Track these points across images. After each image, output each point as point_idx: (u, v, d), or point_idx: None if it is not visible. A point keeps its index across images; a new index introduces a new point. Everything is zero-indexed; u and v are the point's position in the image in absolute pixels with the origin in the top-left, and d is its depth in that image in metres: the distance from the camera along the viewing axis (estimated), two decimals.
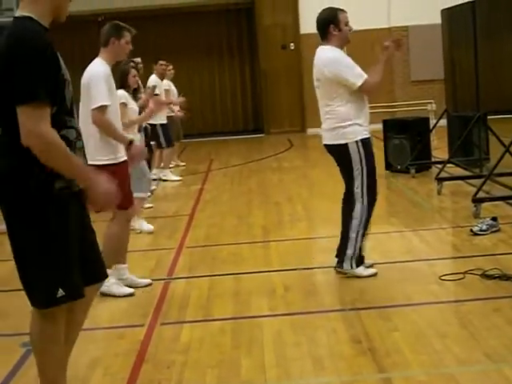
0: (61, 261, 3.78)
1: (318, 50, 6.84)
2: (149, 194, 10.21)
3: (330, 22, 6.70)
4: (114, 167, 6.46)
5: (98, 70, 6.51)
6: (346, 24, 6.74)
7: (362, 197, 6.68)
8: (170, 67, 14.22)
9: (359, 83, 6.57)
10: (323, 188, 11.72)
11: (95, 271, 4.08)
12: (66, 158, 3.64)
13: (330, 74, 6.62)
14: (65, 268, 3.79)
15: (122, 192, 6.59)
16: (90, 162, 6.39)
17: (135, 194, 9.09)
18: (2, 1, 19.09)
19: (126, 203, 6.63)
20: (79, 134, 3.89)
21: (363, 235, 6.79)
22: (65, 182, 3.72)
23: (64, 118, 3.75)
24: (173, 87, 14.36)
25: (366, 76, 6.58)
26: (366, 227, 6.80)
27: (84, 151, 3.97)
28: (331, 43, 6.72)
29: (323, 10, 6.87)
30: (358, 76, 6.59)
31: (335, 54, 6.68)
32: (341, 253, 6.85)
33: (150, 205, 11.03)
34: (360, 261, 6.81)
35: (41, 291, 3.81)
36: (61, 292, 3.76)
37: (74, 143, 3.81)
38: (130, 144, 6.58)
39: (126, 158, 6.71)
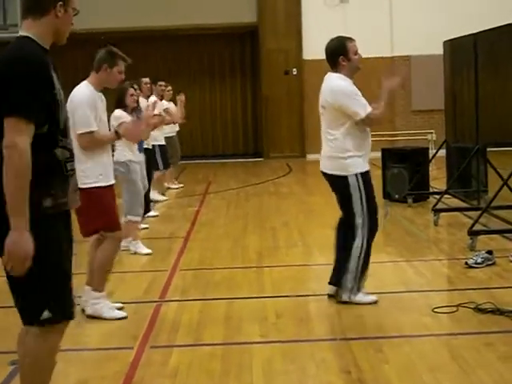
0: (48, 282, 3.74)
1: (326, 76, 6.82)
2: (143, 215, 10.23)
3: (339, 53, 6.66)
4: (100, 190, 6.44)
5: (81, 93, 6.48)
6: (355, 53, 6.69)
7: (363, 229, 6.66)
8: (169, 88, 14.25)
9: (362, 115, 6.53)
10: (320, 214, 11.69)
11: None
12: (23, 181, 3.54)
13: (334, 102, 6.60)
14: (53, 289, 3.76)
15: (110, 215, 6.60)
16: (80, 186, 6.44)
17: (129, 217, 9.13)
18: (6, 17, 19.22)
19: (113, 227, 6.60)
20: (72, 156, 3.88)
21: (363, 267, 6.75)
22: (52, 200, 3.70)
23: (57, 137, 3.75)
24: (172, 107, 14.34)
25: (369, 109, 6.55)
26: (366, 258, 6.77)
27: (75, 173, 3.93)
28: (341, 72, 6.70)
29: (331, 40, 6.79)
30: (361, 107, 6.54)
31: (342, 82, 6.65)
32: (338, 282, 6.81)
33: (146, 225, 11.02)
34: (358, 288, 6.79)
35: (27, 311, 3.79)
36: (47, 313, 3.73)
37: (65, 163, 3.79)
38: (117, 133, 6.51)
39: (113, 181, 6.68)
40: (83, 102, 6.39)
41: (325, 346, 5.81)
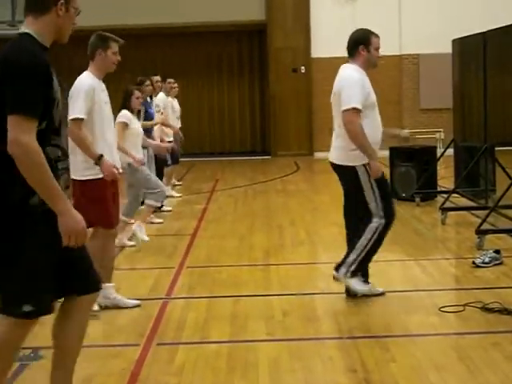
0: (32, 277, 3.77)
1: (342, 66, 6.84)
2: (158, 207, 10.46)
3: (361, 42, 6.71)
4: (99, 182, 6.42)
5: (81, 82, 6.47)
6: (377, 48, 6.75)
7: (379, 211, 6.63)
8: (175, 85, 14.20)
9: (345, 107, 6.50)
10: (327, 213, 11.68)
11: (86, 283, 4.06)
12: (42, 175, 3.62)
13: (339, 91, 6.62)
14: (35, 284, 3.78)
15: (105, 211, 6.56)
16: (77, 177, 6.45)
17: (123, 218, 9.17)
18: (15, 13, 19.26)
19: (107, 222, 6.59)
20: (63, 154, 3.90)
21: (370, 250, 6.70)
22: (39, 198, 3.71)
23: (49, 135, 3.79)
24: (176, 104, 14.29)
25: (357, 108, 6.44)
26: (376, 245, 6.73)
27: (69, 169, 3.96)
28: (357, 62, 6.71)
29: (357, 29, 6.88)
30: (351, 100, 6.48)
31: (353, 73, 6.65)
32: (343, 258, 6.81)
33: (161, 220, 11.28)
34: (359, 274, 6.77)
35: (8, 302, 3.82)
36: (27, 307, 3.76)
37: (56, 162, 3.82)
38: (98, 159, 6.40)
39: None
40: (81, 90, 6.40)
41: (331, 344, 5.80)
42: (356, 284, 6.74)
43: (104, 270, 6.70)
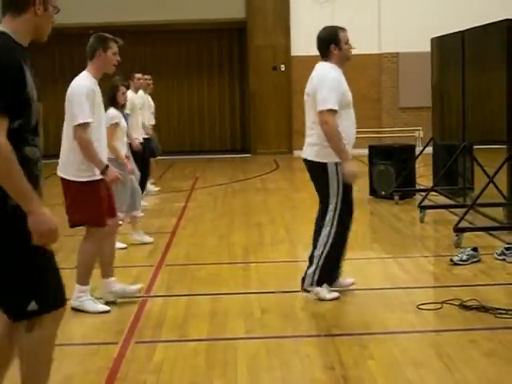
0: (25, 275, 3.71)
1: (317, 65, 6.85)
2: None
3: (330, 41, 6.71)
4: (93, 184, 6.42)
5: (81, 84, 6.43)
6: (346, 42, 6.76)
7: (333, 219, 6.69)
8: (151, 81, 13.94)
9: (320, 108, 6.53)
10: (306, 211, 11.66)
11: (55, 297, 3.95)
12: (11, 172, 3.53)
13: (314, 90, 6.64)
14: (32, 281, 3.72)
15: (100, 210, 6.59)
16: (70, 178, 6.44)
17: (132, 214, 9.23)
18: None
19: (101, 221, 6.59)
20: (41, 155, 3.83)
21: (329, 257, 6.75)
22: None
23: (27, 135, 3.69)
24: (150, 101, 14.08)
25: (332, 109, 6.45)
26: (337, 249, 6.78)
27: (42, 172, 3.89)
28: (331, 61, 6.74)
29: (323, 28, 6.87)
30: (327, 101, 6.50)
31: (329, 72, 6.66)
32: (305, 271, 6.91)
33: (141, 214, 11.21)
34: (326, 282, 6.83)
35: (13, 305, 3.76)
36: (33, 305, 3.71)
37: (35, 162, 3.74)
38: (105, 168, 6.44)
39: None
40: (82, 93, 6.36)
41: (309, 342, 5.82)
42: (321, 291, 6.79)
43: (105, 265, 6.88)
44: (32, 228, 3.61)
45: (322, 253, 6.73)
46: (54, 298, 3.85)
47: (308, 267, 6.84)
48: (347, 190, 6.73)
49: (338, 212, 6.68)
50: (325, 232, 6.72)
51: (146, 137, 12.64)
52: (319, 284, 6.77)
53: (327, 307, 6.63)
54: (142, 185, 11.44)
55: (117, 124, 8.90)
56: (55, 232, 3.68)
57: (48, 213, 3.66)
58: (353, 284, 7.08)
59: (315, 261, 6.76)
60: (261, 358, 5.43)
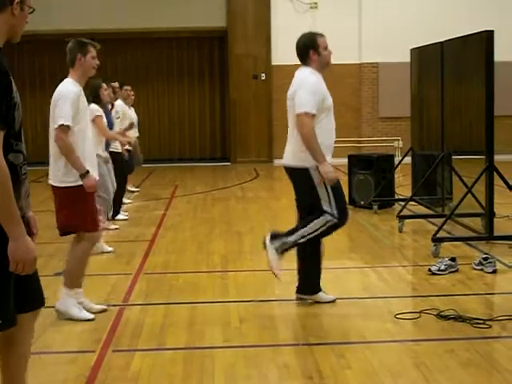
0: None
1: (297, 70, 6.87)
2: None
3: (309, 47, 6.74)
4: (80, 189, 6.41)
5: (67, 89, 6.47)
6: (325, 48, 6.79)
7: (333, 210, 6.62)
8: (132, 92, 13.97)
9: (298, 111, 6.54)
10: (286, 220, 11.64)
11: (34, 298, 3.96)
12: (4, 197, 3.46)
13: (294, 94, 6.67)
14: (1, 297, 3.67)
15: (89, 215, 6.58)
16: (57, 184, 6.43)
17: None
18: None
19: (92, 226, 6.58)
20: (25, 159, 3.77)
21: (309, 240, 6.69)
22: None
23: (11, 141, 3.62)
24: (132, 113, 14.02)
25: (310, 113, 6.48)
26: (318, 238, 6.76)
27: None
28: (311, 67, 6.76)
29: (302, 35, 6.88)
30: (304, 105, 6.52)
31: (309, 76, 6.69)
32: (300, 287, 6.88)
33: (117, 226, 11.13)
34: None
35: None
36: None
37: (20, 168, 3.68)
38: (85, 173, 6.44)
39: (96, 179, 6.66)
40: (68, 97, 6.39)
41: (287, 351, 5.82)
42: (273, 255, 6.67)
43: (77, 273, 6.78)
44: (11, 254, 3.53)
45: (311, 233, 6.63)
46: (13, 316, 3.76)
47: (288, 233, 6.69)
48: (338, 194, 6.72)
49: (334, 207, 6.62)
50: (327, 217, 6.62)
51: (128, 148, 12.61)
52: (281, 252, 6.66)
53: (305, 316, 6.64)
54: (119, 198, 11.44)
55: (101, 117, 8.93)
56: (34, 262, 3.61)
57: (31, 241, 3.59)
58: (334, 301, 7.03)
59: (298, 235, 6.63)
60: (238, 367, 5.43)
